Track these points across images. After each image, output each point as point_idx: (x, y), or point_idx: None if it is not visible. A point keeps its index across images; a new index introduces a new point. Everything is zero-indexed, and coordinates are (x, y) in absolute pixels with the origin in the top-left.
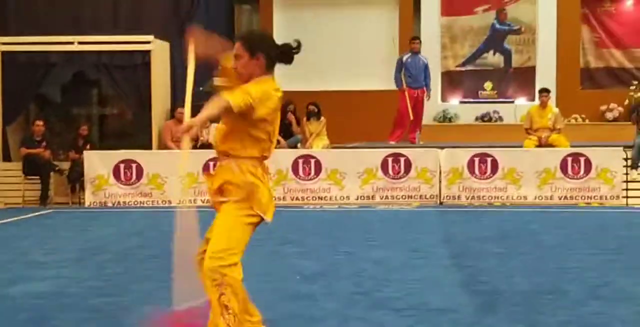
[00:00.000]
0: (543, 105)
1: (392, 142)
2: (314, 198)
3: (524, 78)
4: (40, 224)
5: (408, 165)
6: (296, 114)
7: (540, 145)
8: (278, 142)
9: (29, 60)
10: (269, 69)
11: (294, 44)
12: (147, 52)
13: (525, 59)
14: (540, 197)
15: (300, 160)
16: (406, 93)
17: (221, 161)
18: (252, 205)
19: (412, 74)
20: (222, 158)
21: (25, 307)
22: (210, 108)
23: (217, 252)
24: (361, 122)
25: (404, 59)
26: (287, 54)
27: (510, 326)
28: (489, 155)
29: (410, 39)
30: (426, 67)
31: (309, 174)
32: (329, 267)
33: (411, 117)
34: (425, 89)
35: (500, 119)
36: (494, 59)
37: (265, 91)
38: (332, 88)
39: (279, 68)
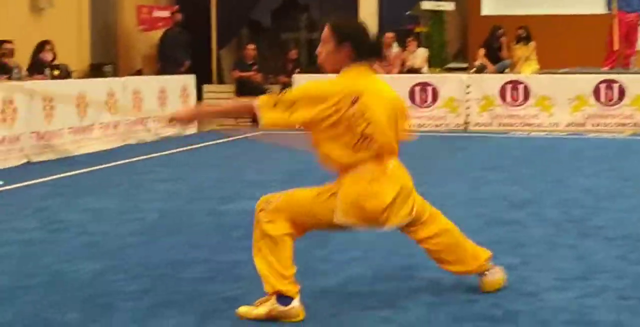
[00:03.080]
0: None
1: (605, 68)
2: (522, 124)
3: None
4: (250, 145)
5: (622, 92)
6: (505, 39)
7: None
8: (486, 67)
9: None
10: (355, 61)
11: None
12: None
13: None
14: None
15: (508, 86)
16: (616, 18)
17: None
18: None
19: None
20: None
21: (240, 224)
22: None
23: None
24: (572, 47)
25: None
26: (376, 49)
27: None
28: None
29: None
30: None
31: (517, 99)
32: (536, 194)
33: (615, 47)
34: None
35: None
36: None
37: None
38: (543, 12)
39: None
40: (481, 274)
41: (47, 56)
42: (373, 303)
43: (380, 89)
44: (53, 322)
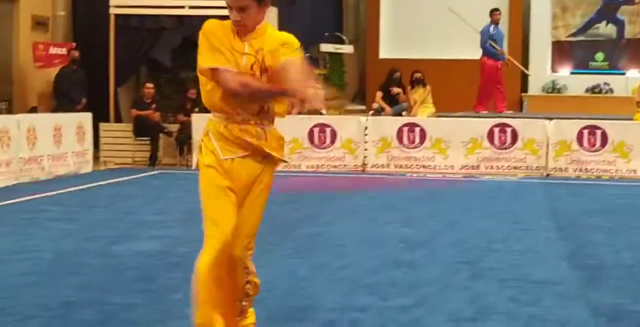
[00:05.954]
0: None
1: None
2: (418, 166)
3: (637, 50)
4: (148, 184)
5: (515, 135)
6: (401, 82)
7: None
8: (383, 109)
9: (141, 23)
10: None
11: None
12: None
13: (638, 30)
14: None
15: (405, 129)
16: (486, 64)
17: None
18: None
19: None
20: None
21: (132, 265)
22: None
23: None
24: (467, 91)
25: (491, 30)
26: None
27: (614, 300)
28: (598, 128)
29: (492, 10)
30: (503, 38)
31: (414, 142)
32: (431, 235)
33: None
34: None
35: (611, 91)
36: (606, 29)
37: None
38: (437, 56)
39: (382, 36)
40: None
41: None
42: None
43: None
44: None
